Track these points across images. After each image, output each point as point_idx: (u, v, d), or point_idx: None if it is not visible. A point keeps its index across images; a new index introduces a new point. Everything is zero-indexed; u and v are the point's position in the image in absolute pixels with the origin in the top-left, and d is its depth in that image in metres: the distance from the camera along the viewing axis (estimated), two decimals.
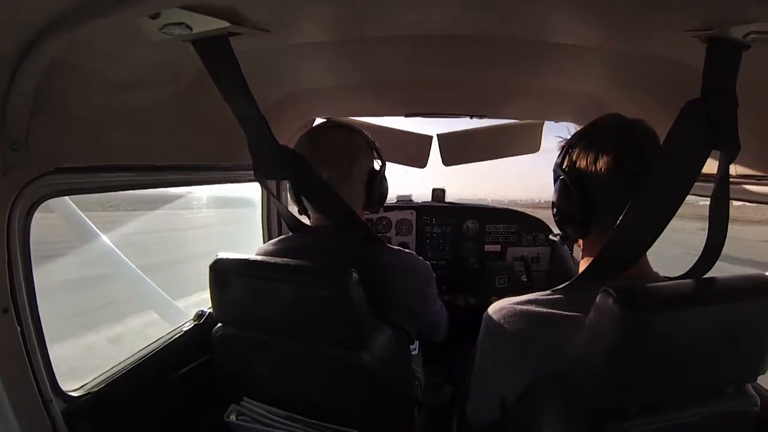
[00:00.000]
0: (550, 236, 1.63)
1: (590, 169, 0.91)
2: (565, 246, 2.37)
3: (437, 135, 2.36)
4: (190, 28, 0.78)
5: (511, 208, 2.58)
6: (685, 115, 0.80)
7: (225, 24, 0.81)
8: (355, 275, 1.03)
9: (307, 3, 0.91)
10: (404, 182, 2.66)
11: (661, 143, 0.84)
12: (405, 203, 2.55)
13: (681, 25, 0.82)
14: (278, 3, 0.87)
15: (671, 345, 0.72)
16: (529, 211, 2.62)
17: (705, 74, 0.80)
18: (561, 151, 1.00)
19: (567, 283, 0.92)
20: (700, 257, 0.87)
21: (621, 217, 0.81)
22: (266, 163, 1.11)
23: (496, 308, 0.95)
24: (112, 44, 0.92)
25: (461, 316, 2.28)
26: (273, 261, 1.11)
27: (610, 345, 0.71)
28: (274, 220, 2.12)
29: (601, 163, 0.89)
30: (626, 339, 0.70)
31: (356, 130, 1.33)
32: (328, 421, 1.18)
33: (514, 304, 0.92)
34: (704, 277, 0.85)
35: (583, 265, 1.01)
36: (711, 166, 0.82)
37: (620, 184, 0.88)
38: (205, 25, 0.80)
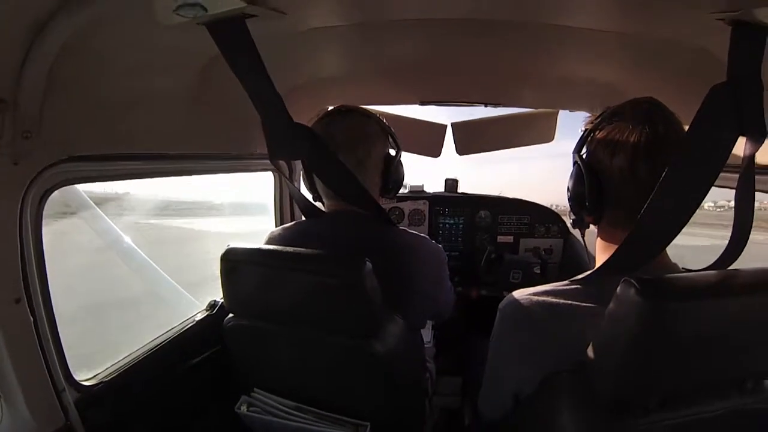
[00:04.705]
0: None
1: (606, 163, 0.90)
2: (579, 238, 2.34)
3: (451, 124, 2.34)
4: (205, 10, 0.76)
5: (523, 198, 2.54)
6: (710, 99, 0.78)
7: (241, 4, 0.79)
8: (368, 264, 1.01)
9: None
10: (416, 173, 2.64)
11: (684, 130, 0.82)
12: (418, 193, 2.53)
13: (705, 7, 0.80)
14: None
15: (692, 336, 0.70)
16: None
17: (730, 58, 0.78)
18: (581, 136, 0.97)
19: (586, 274, 0.90)
20: (725, 249, 0.85)
21: (644, 209, 0.79)
22: (282, 141, 1.08)
23: (511, 299, 0.93)
24: (124, 27, 0.91)
25: (473, 308, 2.28)
26: (285, 250, 1.10)
27: (631, 335, 0.69)
28: (286, 205, 2.12)
29: (617, 161, 0.88)
30: (647, 329, 0.68)
31: (371, 115, 1.30)
32: (339, 413, 1.18)
33: (530, 294, 0.90)
34: (728, 268, 0.83)
35: (599, 254, 0.99)
36: (734, 157, 0.79)
37: (633, 185, 0.86)
38: (221, 5, 0.77)
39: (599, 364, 0.75)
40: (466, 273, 2.40)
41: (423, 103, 1.98)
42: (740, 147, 0.80)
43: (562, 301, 0.86)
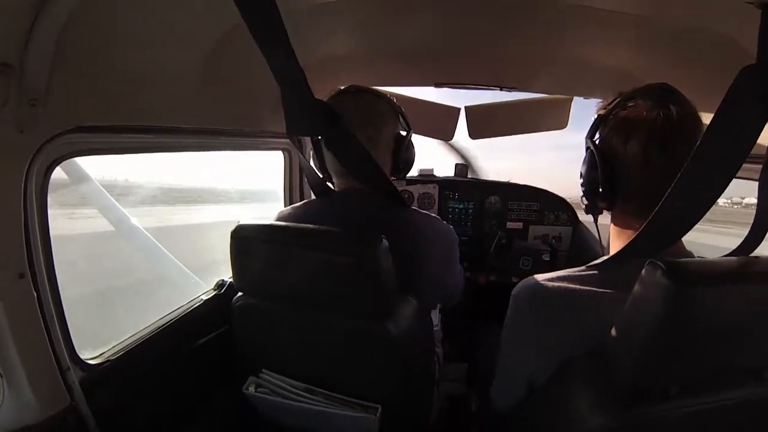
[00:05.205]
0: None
1: (619, 149, 0.88)
2: (587, 227, 2.33)
3: (465, 107, 2.31)
4: None
5: (534, 185, 2.51)
6: (739, 82, 0.75)
7: None
8: (384, 242, 0.99)
9: None
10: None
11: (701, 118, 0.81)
12: (428, 177, 2.52)
13: None
14: None
15: (715, 322, 0.69)
16: None
17: (760, 40, 0.75)
18: (594, 121, 0.96)
19: (603, 259, 0.89)
20: (747, 236, 0.84)
21: (665, 196, 0.77)
22: (301, 117, 1.06)
23: (526, 285, 0.91)
24: None
25: (481, 294, 2.27)
26: (298, 227, 1.07)
27: (655, 319, 0.67)
28: (296, 184, 2.10)
29: (630, 147, 0.86)
30: (672, 313, 0.66)
31: (381, 95, 1.28)
32: (348, 395, 1.16)
33: (546, 280, 0.88)
34: (751, 255, 0.82)
35: (614, 240, 0.98)
36: (757, 147, 0.77)
37: (647, 170, 0.86)
38: None
39: (619, 349, 0.73)
40: (475, 258, 2.39)
41: (438, 85, 1.95)
42: (763, 137, 0.77)
43: (579, 287, 0.84)
